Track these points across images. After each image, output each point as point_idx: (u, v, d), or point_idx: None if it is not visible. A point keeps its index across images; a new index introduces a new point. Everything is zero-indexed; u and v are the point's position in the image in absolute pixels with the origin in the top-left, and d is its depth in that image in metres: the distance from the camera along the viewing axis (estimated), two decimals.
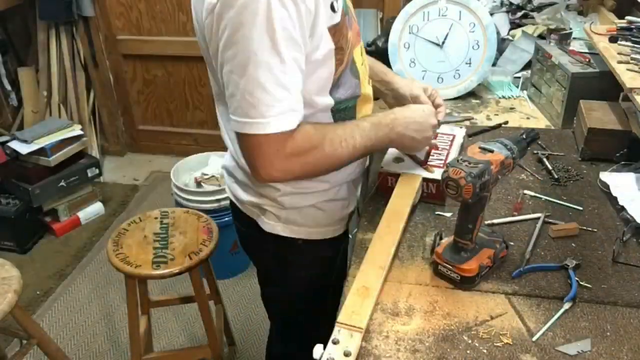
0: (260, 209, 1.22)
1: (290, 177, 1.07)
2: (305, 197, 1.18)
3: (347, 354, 0.84)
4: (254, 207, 1.23)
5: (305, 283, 1.32)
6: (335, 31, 1.00)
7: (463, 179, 0.90)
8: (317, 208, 1.21)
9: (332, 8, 0.98)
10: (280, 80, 0.93)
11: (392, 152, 1.30)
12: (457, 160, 0.93)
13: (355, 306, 0.92)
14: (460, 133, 1.38)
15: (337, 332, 0.87)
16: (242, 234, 1.36)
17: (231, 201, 1.32)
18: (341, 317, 0.90)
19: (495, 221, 1.18)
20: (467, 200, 0.92)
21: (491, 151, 0.95)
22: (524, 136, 1.05)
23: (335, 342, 0.85)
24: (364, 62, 1.17)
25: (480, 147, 0.96)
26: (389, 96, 1.33)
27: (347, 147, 1.06)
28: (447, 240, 1.05)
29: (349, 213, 1.29)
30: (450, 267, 1.00)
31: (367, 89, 1.18)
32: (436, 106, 1.25)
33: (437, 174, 1.21)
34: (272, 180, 1.07)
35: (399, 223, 1.10)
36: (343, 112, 1.13)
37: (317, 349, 0.84)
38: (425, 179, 1.21)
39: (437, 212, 1.21)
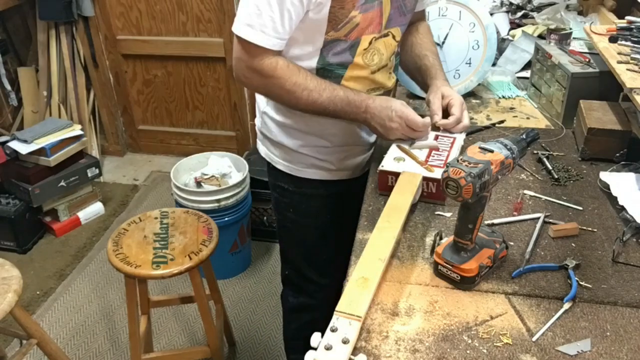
0: (261, 139, 1.49)
1: (250, 87, 1.46)
2: (289, 137, 1.39)
3: (345, 342, 0.84)
4: (258, 139, 1.51)
5: (298, 218, 1.52)
6: None
7: (463, 179, 0.90)
8: (295, 151, 1.41)
9: None
10: (280, 6, 1.14)
11: (392, 152, 1.30)
12: (457, 160, 0.93)
13: (354, 295, 0.92)
14: (461, 134, 1.38)
15: (336, 320, 0.88)
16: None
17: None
18: (340, 305, 0.90)
19: (495, 221, 1.18)
20: (467, 200, 0.92)
21: (491, 151, 0.95)
22: (524, 136, 1.05)
23: (333, 330, 0.86)
24: (370, 50, 1.29)
25: (480, 147, 0.96)
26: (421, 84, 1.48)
27: (307, 98, 1.22)
28: (447, 240, 1.05)
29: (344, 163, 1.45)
30: (450, 267, 1.00)
31: (363, 72, 1.31)
32: (446, 115, 1.33)
33: (437, 174, 1.21)
34: (238, 79, 1.27)
35: (399, 217, 1.10)
36: (328, 76, 1.27)
37: (315, 337, 0.85)
38: (425, 178, 1.21)
39: (437, 212, 1.21)
